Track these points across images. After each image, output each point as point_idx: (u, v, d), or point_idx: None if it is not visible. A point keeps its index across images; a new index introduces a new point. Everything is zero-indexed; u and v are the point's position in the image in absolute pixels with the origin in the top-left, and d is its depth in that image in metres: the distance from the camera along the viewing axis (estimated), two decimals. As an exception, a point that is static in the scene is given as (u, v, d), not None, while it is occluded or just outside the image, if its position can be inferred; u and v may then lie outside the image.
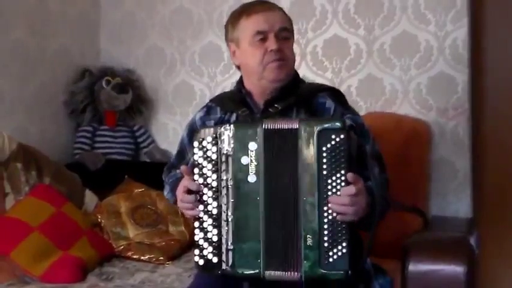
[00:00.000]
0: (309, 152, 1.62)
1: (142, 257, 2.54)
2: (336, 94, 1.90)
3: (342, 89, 2.87)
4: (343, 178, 1.60)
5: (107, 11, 3.40)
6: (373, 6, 2.87)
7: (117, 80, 3.18)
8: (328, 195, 1.61)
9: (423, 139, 2.65)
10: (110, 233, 2.64)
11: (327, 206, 1.61)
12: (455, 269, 1.84)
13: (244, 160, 1.67)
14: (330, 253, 1.61)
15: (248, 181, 1.66)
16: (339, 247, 1.61)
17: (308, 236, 1.62)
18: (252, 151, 1.66)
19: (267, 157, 1.65)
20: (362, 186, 1.63)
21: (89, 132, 3.17)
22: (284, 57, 1.82)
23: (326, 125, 1.62)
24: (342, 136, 1.60)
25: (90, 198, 2.81)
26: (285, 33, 1.84)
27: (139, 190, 2.84)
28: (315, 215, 1.62)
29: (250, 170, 1.66)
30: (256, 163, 1.66)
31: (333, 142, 1.61)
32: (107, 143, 3.18)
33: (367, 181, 1.67)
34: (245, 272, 1.68)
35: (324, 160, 1.61)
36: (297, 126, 1.64)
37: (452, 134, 2.77)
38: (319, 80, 2.89)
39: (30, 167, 2.62)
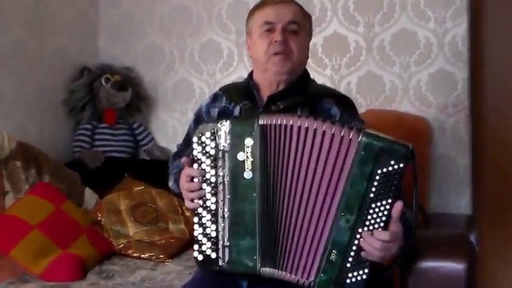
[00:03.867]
0: (362, 168, 1.55)
1: (142, 255, 2.54)
2: (343, 101, 1.85)
3: (342, 86, 2.89)
4: (387, 207, 1.55)
5: (105, 9, 3.40)
6: (373, 4, 2.87)
7: (116, 78, 3.18)
8: (367, 219, 1.56)
9: (423, 136, 2.64)
10: (110, 231, 2.64)
11: (363, 228, 1.57)
12: (455, 266, 1.84)
13: (240, 156, 1.63)
14: (350, 274, 1.59)
15: (244, 177, 1.64)
16: (360, 272, 1.58)
17: (334, 251, 1.59)
18: (248, 147, 1.63)
19: (264, 153, 1.62)
20: (400, 229, 1.58)
21: (88, 130, 3.17)
22: (288, 51, 1.78)
23: (390, 147, 1.53)
24: (401, 165, 1.52)
25: (89, 196, 2.81)
26: (294, 27, 1.80)
27: (139, 188, 2.83)
28: (347, 232, 1.57)
29: (246, 166, 1.63)
30: (252, 159, 1.63)
31: (390, 168, 1.53)
32: (106, 140, 3.18)
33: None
34: (241, 269, 1.66)
35: (375, 183, 1.54)
36: (359, 138, 1.56)
37: (453, 131, 2.77)
38: (318, 77, 2.88)
39: (29, 165, 2.61)
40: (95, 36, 3.40)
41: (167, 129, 3.33)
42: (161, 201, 2.78)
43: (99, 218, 2.68)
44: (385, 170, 1.53)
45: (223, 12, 3.15)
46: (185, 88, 3.27)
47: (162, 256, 2.52)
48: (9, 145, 2.58)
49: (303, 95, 1.82)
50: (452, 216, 2.65)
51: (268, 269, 1.65)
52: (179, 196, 1.88)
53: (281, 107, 1.77)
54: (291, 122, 1.62)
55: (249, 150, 1.63)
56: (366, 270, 1.58)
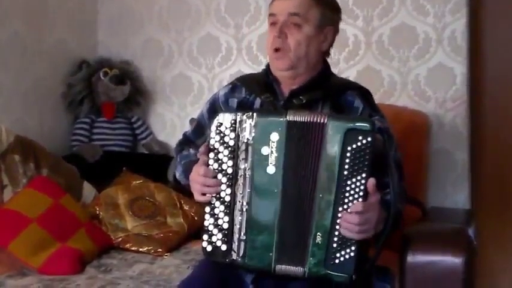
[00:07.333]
0: (333, 149, 1.58)
1: (140, 249, 2.54)
2: (365, 94, 1.85)
3: (341, 81, 2.88)
4: (363, 181, 1.57)
5: (104, 2, 3.39)
6: (372, -2, 2.87)
7: (114, 72, 3.17)
8: (345, 196, 1.58)
9: (422, 130, 2.64)
10: (108, 224, 2.64)
11: (342, 206, 1.59)
12: (453, 260, 1.84)
13: (265, 150, 1.62)
14: (338, 254, 1.60)
15: (267, 172, 1.62)
16: (347, 250, 1.60)
17: (318, 233, 1.60)
18: (274, 142, 1.61)
19: (289, 149, 1.61)
20: (376, 201, 1.59)
21: (86, 124, 3.16)
22: (286, 46, 1.75)
23: (355, 125, 1.58)
24: (369, 139, 1.56)
25: (88, 190, 2.81)
26: (295, 20, 1.74)
27: (138, 182, 2.83)
28: (329, 213, 1.59)
29: (270, 161, 1.62)
30: (276, 154, 1.61)
31: (359, 143, 1.57)
32: (104, 134, 3.17)
33: (386, 189, 1.64)
34: (256, 264, 1.66)
35: (347, 160, 1.57)
36: (325, 121, 1.59)
37: (451, 126, 2.77)
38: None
39: (28, 159, 2.61)
40: (93, 30, 3.39)
41: (165, 123, 3.32)
42: (159, 195, 2.78)
43: (97, 212, 2.68)
44: (354, 146, 1.57)
45: (222, 6, 3.14)
46: (183, 82, 3.26)
47: (160, 250, 2.52)
48: (7, 139, 2.57)
49: (325, 88, 1.80)
50: (450, 211, 2.65)
51: (282, 266, 1.65)
52: (182, 187, 1.86)
53: (303, 101, 1.76)
54: (315, 119, 1.61)
55: (274, 145, 1.62)
56: (353, 248, 1.60)
